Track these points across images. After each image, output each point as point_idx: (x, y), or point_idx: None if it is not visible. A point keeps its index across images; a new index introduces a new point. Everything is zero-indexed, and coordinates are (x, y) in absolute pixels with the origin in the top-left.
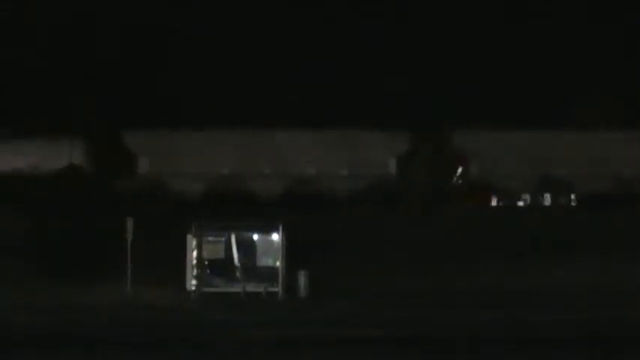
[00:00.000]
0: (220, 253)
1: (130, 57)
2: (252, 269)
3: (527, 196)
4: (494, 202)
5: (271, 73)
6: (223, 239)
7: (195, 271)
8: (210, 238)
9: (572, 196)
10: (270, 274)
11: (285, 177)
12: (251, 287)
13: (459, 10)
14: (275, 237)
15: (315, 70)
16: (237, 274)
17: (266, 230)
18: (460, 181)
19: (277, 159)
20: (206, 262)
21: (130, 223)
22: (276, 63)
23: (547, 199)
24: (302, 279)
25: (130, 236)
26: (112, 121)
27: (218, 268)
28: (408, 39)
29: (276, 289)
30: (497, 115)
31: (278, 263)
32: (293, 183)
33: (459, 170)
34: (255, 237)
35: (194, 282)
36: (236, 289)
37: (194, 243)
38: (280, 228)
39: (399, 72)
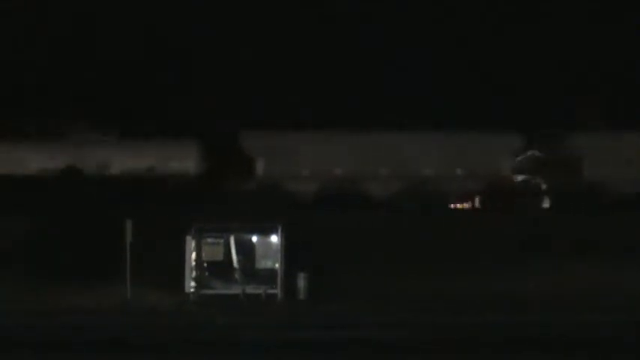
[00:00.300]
0: (219, 255)
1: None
2: (251, 271)
3: None
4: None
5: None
6: (222, 241)
7: (194, 273)
8: (209, 240)
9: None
10: (269, 276)
11: (402, 178)
12: (250, 289)
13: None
14: (274, 239)
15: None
16: (237, 276)
17: (265, 232)
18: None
19: (393, 160)
20: (205, 264)
21: (129, 225)
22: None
23: None
24: (301, 281)
25: (129, 238)
26: (229, 121)
27: (217, 270)
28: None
29: (275, 291)
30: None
31: (277, 265)
32: (409, 184)
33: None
34: (254, 239)
35: (193, 284)
36: (235, 291)
37: (193, 245)
38: (279, 230)
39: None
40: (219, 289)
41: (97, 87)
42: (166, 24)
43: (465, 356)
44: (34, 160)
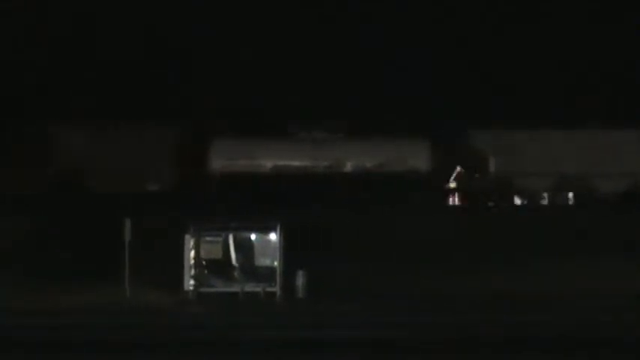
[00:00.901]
0: (218, 253)
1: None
2: (250, 269)
3: None
4: None
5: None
6: (221, 239)
7: (193, 271)
8: (208, 238)
9: (570, 195)
10: (268, 274)
11: (629, 176)
12: (249, 287)
13: None
14: (273, 237)
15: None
16: (235, 274)
17: (264, 230)
18: None
19: (620, 158)
20: (204, 262)
21: (127, 224)
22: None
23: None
24: (300, 279)
25: (127, 237)
26: (458, 120)
27: (216, 268)
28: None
29: (274, 290)
30: None
31: (276, 263)
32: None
33: None
34: (253, 237)
35: (192, 282)
36: (234, 289)
37: (192, 243)
38: (278, 228)
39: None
40: (219, 287)
41: (96, 87)
42: (166, 24)
43: (465, 356)
44: (270, 158)
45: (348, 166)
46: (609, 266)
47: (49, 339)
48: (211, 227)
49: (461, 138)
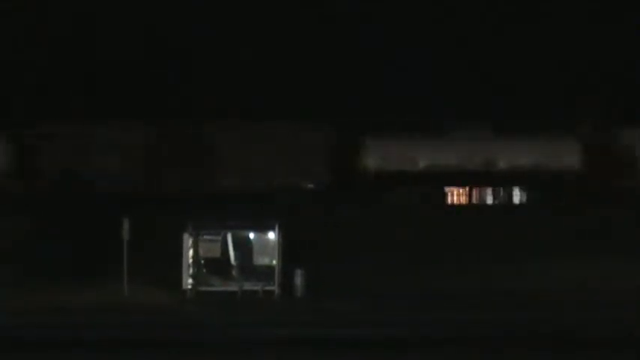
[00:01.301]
0: (217, 252)
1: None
2: (248, 268)
3: None
4: None
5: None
6: (219, 238)
7: (191, 270)
8: (207, 237)
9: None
10: (267, 273)
11: None
12: (248, 286)
13: None
14: (271, 236)
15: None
16: (234, 273)
17: (262, 229)
18: None
19: None
20: (202, 261)
21: (126, 224)
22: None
23: None
24: (299, 278)
25: (126, 237)
26: (609, 119)
27: (214, 267)
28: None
29: (272, 288)
30: None
31: (275, 262)
32: None
33: None
34: (252, 236)
35: (190, 281)
36: (233, 288)
37: (190, 242)
38: (277, 227)
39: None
40: (217, 286)
41: (96, 87)
42: (166, 24)
43: (465, 355)
44: (424, 157)
45: (501, 165)
46: (609, 266)
47: (49, 339)
48: (210, 226)
49: (609, 136)
